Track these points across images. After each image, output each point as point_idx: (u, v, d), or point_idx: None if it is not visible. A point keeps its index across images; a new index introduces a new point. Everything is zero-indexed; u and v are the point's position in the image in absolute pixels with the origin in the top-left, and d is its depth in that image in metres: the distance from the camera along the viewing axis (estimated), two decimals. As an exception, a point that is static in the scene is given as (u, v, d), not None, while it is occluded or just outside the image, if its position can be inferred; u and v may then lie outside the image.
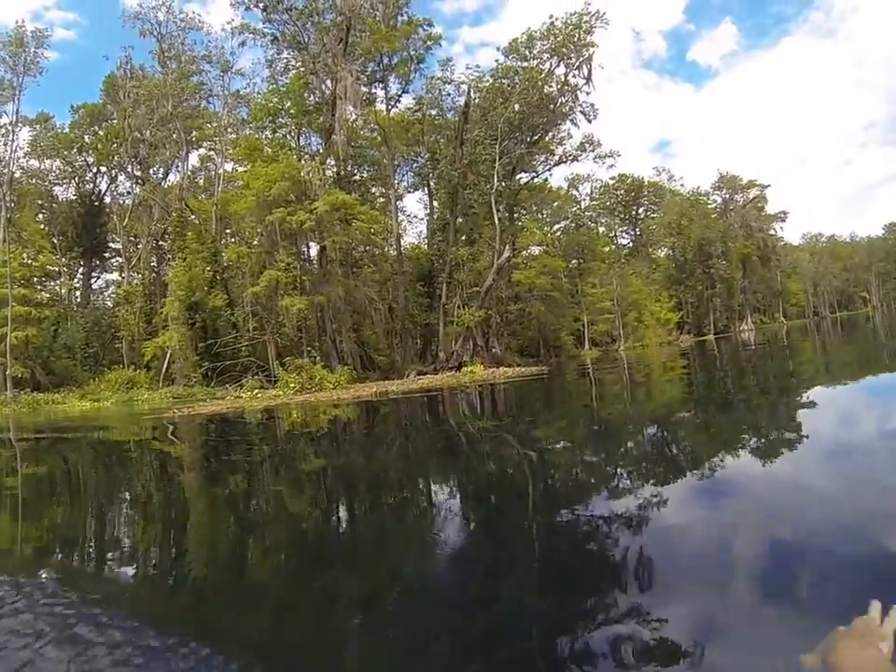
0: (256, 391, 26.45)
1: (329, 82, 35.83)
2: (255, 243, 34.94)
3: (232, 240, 41.01)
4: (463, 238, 43.89)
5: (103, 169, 49.60)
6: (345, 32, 34.01)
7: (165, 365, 36.72)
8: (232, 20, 38.29)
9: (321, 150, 37.93)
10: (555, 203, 66.44)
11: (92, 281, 52.14)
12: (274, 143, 37.29)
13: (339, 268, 38.19)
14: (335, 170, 38.09)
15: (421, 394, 21.21)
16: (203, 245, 37.10)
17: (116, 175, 48.80)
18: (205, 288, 36.29)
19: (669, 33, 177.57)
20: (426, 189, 50.80)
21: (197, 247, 36.92)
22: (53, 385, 37.28)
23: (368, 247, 38.90)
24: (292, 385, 24.92)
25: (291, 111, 37.31)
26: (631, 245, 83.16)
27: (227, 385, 30.76)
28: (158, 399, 31.33)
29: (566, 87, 41.38)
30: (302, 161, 33.39)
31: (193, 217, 40.47)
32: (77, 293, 48.69)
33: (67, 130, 48.35)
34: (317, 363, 26.28)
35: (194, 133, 43.93)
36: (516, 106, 40.09)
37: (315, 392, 23.88)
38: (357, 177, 44.68)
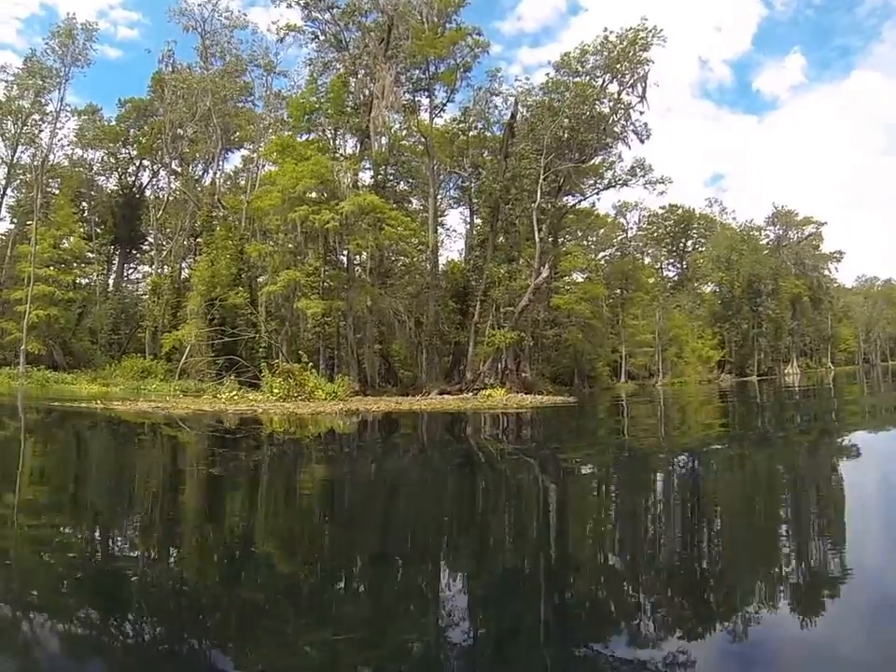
0: (233, 392, 23.44)
1: (370, 84, 33.50)
2: (279, 242, 32.41)
3: (265, 239, 38.79)
4: (502, 256, 40.76)
5: (146, 163, 48.58)
6: (387, 32, 31.62)
7: (183, 358, 34.91)
8: (277, 20, 36.51)
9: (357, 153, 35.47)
10: (601, 230, 62.81)
11: (130, 272, 51.09)
12: (309, 143, 34.88)
13: (368, 276, 35.65)
14: (372, 174, 35.61)
15: (400, 417, 18.03)
16: (231, 242, 35.05)
17: (158, 170, 47.60)
18: (229, 285, 34.19)
19: (735, 62, 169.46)
20: (467, 204, 48.05)
21: (224, 244, 34.99)
22: (70, 365, 36.20)
23: (399, 256, 36.12)
24: (276, 390, 21.88)
25: (329, 111, 34.94)
26: (676, 278, 78.68)
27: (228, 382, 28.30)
28: (165, 390, 29.71)
29: (618, 104, 38.28)
30: (334, 162, 30.78)
31: (225, 214, 38.51)
32: (111, 280, 47.51)
33: (114, 122, 47.41)
34: (309, 368, 22.98)
35: (237, 133, 42.18)
36: (565, 121, 37.09)
37: (301, 401, 20.87)
38: (397, 187, 42.21)
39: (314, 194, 30.96)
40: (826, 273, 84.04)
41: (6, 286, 38.07)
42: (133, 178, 49.71)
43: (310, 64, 36.22)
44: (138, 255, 50.69)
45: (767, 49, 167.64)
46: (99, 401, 19.11)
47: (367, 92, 34.21)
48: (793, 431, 14.57)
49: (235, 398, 22.14)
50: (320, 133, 36.23)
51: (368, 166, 36.11)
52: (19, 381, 32.19)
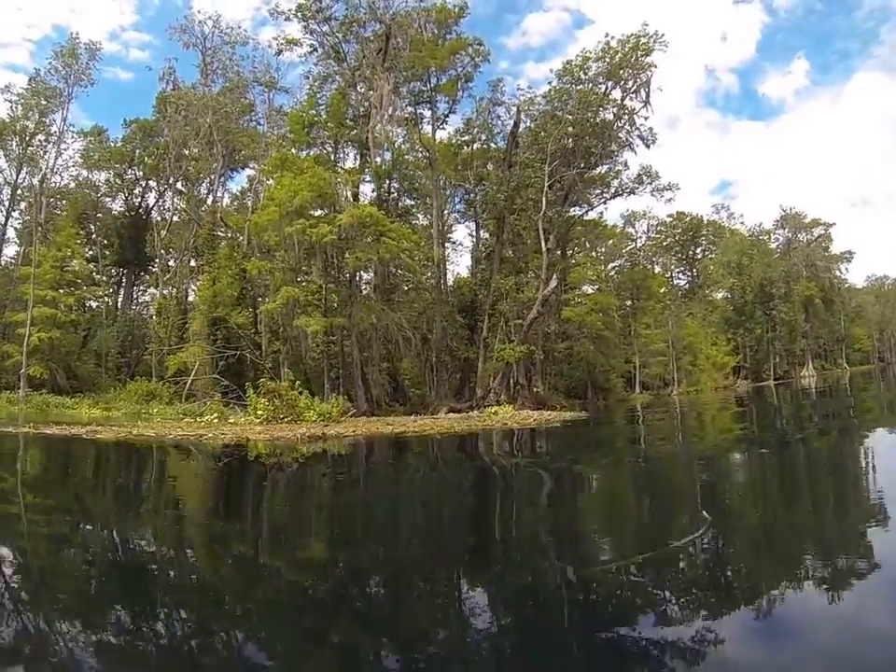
0: (214, 416, 21.35)
1: (371, 96, 31.80)
2: (278, 258, 30.57)
3: (269, 257, 37.13)
4: (509, 268, 38.65)
5: (152, 184, 47.05)
6: (385, 42, 29.87)
7: (190, 380, 33.18)
8: (278, 35, 34.90)
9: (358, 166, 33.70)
10: (610, 241, 60.47)
11: (139, 293, 49.69)
12: (308, 158, 33.11)
13: (373, 292, 33.81)
14: (373, 188, 33.77)
15: (370, 446, 15.57)
16: (233, 262, 33.31)
17: (164, 191, 45.86)
18: (232, 305, 32.46)
19: (741, 70, 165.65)
20: (473, 218, 46.17)
21: (226, 263, 33.24)
22: (74, 389, 34.37)
23: (402, 270, 34.19)
24: (260, 412, 19.70)
25: (329, 124, 33.19)
26: (687, 286, 76.20)
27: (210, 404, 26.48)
28: (169, 413, 27.74)
29: (622, 110, 36.28)
30: (332, 174, 28.90)
31: (230, 233, 36.86)
32: (119, 302, 46.04)
33: (120, 143, 45.93)
34: (296, 387, 20.88)
35: (242, 151, 40.56)
36: (569, 129, 35.17)
37: (287, 423, 18.73)
38: (401, 202, 40.37)
39: (318, 212, 29.27)
40: (837, 273, 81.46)
41: (11, 309, 36.60)
42: (140, 199, 48.26)
43: (308, 78, 34.68)
44: (147, 277, 49.16)
45: (772, 55, 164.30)
46: (31, 425, 17.06)
47: (367, 105, 32.54)
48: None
49: (215, 421, 20.12)
50: (320, 148, 34.51)
51: (369, 179, 34.28)
52: (18, 405, 30.33)
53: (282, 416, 19.14)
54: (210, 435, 15.96)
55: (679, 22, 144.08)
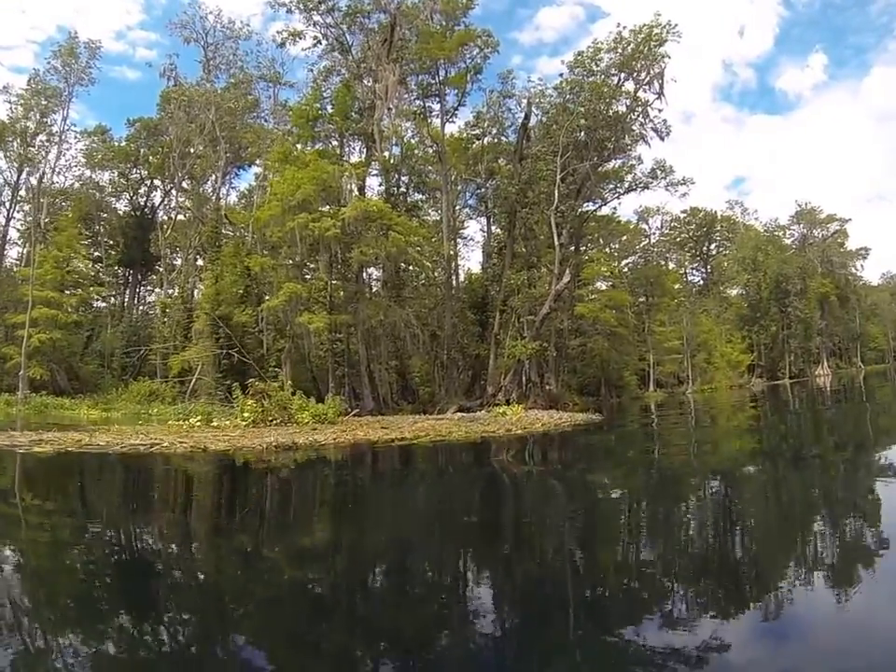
0: (197, 419, 19.85)
1: (377, 87, 30.33)
2: (282, 255, 29.13)
3: (274, 254, 35.73)
4: (521, 263, 37.06)
5: (157, 183, 45.67)
6: (390, 31, 28.41)
7: (193, 380, 31.91)
8: (283, 29, 33.47)
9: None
10: (624, 237, 58.72)
11: (146, 293, 48.57)
12: (312, 151, 31.67)
13: (382, 289, 32.43)
14: (380, 181, 32.37)
15: (333, 464, 13.41)
16: (238, 259, 31.94)
17: (169, 190, 44.54)
18: (235, 303, 31.12)
19: (759, 64, 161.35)
20: (484, 213, 44.67)
21: (230, 261, 31.89)
22: (76, 390, 33.16)
23: (411, 266, 32.71)
24: (247, 413, 18.18)
25: (334, 118, 31.76)
26: (701, 283, 74.17)
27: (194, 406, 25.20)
28: (168, 414, 26.36)
29: (636, 102, 34.64)
30: (336, 167, 27.43)
31: (236, 231, 35.56)
32: (125, 302, 44.81)
33: (125, 143, 44.67)
34: (286, 387, 19.37)
35: (249, 147, 39.19)
36: (581, 121, 33.59)
37: (277, 425, 17.26)
38: (411, 197, 38.86)
39: (326, 207, 27.90)
40: (853, 270, 79.21)
41: (14, 310, 35.44)
42: (145, 199, 47.06)
43: (312, 71, 33.32)
44: (153, 276, 47.94)
45: (789, 49, 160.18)
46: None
47: (373, 97, 31.09)
48: None
49: (198, 424, 18.68)
50: (326, 142, 33.10)
51: (376, 174, 32.86)
52: (16, 407, 29.23)
53: (271, 418, 17.62)
54: (167, 443, 13.71)
55: (697, 16, 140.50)
